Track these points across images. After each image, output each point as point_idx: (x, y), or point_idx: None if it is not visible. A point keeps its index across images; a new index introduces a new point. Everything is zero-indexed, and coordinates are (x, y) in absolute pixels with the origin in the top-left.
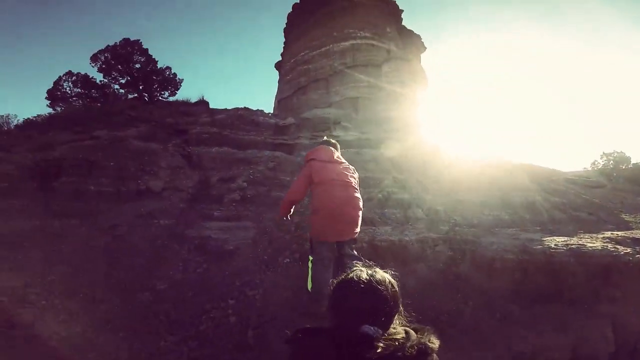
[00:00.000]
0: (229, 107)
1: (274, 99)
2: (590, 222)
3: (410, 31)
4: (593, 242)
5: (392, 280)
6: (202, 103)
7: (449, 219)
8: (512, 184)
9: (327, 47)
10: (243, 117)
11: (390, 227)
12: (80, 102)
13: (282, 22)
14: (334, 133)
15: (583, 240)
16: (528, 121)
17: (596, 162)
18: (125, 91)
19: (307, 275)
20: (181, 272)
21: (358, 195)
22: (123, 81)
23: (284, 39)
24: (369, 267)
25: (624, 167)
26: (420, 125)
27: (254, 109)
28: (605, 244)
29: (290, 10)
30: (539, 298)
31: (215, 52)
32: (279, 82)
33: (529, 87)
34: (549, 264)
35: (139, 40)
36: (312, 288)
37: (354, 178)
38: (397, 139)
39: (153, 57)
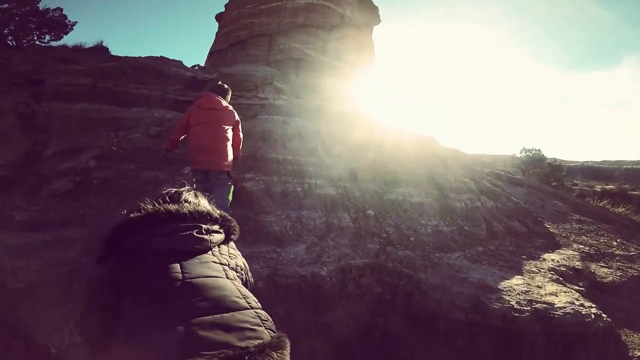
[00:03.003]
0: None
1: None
2: (523, 234)
3: (369, 0)
4: (556, 297)
5: None
6: (98, 50)
7: (380, 228)
8: (448, 178)
9: (280, 3)
10: (147, 67)
11: (303, 245)
12: None
13: None
14: (261, 94)
15: (543, 287)
16: (459, 107)
17: (515, 156)
18: None
19: None
20: None
21: (225, 134)
22: None
23: None
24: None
25: (542, 167)
26: (359, 99)
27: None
28: (572, 301)
29: None
30: None
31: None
32: (216, 34)
33: (467, 77)
34: (506, 331)
35: None
36: None
37: (229, 120)
38: (332, 109)
39: None
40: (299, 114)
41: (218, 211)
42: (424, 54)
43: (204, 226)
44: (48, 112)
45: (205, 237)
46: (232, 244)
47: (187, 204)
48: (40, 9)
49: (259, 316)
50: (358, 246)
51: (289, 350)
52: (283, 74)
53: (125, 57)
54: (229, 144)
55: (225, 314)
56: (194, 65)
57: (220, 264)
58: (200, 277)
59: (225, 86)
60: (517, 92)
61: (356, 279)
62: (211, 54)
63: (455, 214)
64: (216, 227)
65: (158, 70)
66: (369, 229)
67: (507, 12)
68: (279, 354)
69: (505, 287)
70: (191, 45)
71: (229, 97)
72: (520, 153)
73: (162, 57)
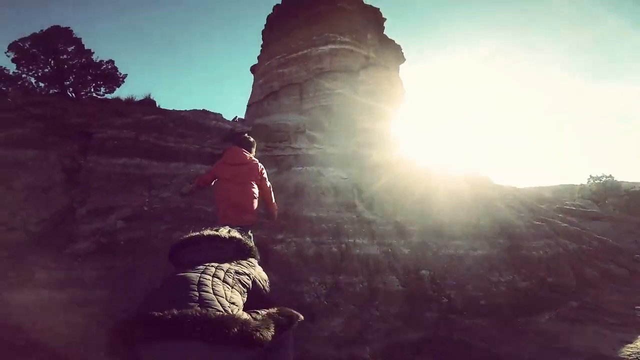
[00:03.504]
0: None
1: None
2: (623, 278)
3: (391, 40)
4: None
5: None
6: (146, 103)
7: (438, 292)
8: (515, 223)
9: (305, 52)
10: (187, 120)
11: (340, 318)
12: None
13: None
14: (294, 145)
15: None
16: (496, 138)
17: (583, 186)
18: (44, 85)
19: None
20: None
21: (251, 189)
22: (43, 73)
23: (262, 42)
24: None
25: (619, 195)
26: (396, 141)
27: (215, 112)
28: None
29: (270, 11)
30: None
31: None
32: (252, 86)
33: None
34: None
35: (69, 28)
36: None
37: (254, 175)
38: (369, 155)
39: (88, 48)
40: (333, 163)
41: (231, 234)
42: (450, 87)
43: (209, 245)
44: (92, 167)
45: (209, 253)
46: (252, 260)
47: (204, 231)
48: (95, 60)
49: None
50: (411, 316)
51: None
52: (315, 122)
53: (169, 110)
54: (255, 200)
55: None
56: (234, 118)
57: (207, 266)
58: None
59: (251, 139)
60: (557, 111)
61: (411, 359)
62: (249, 106)
63: (533, 264)
64: (225, 245)
65: (198, 123)
66: (423, 293)
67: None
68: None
69: (631, 354)
70: (234, 97)
71: (254, 149)
72: (589, 182)
73: (203, 111)
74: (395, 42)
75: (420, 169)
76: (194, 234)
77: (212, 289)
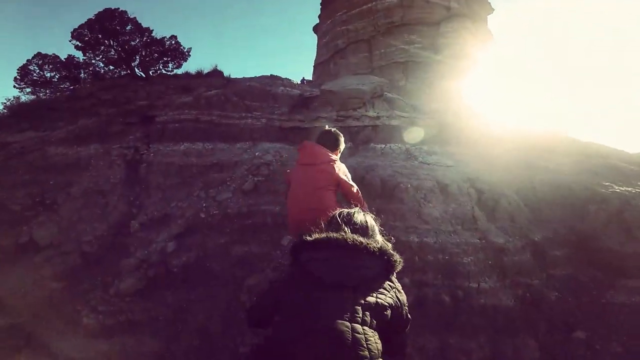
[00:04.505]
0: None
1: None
2: None
3: None
4: None
5: None
6: (214, 74)
7: None
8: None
9: (370, 5)
10: (252, 90)
11: None
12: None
13: None
14: (371, 112)
15: None
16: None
17: None
18: (113, 68)
19: None
20: None
21: (326, 194)
22: (108, 57)
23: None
24: None
25: None
26: (493, 103)
27: (283, 77)
28: None
29: None
30: None
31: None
32: (317, 46)
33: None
34: None
35: (118, 8)
36: None
37: (325, 179)
38: (467, 126)
39: (147, 26)
40: (428, 139)
41: (379, 244)
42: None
43: (353, 263)
44: (152, 159)
45: (353, 272)
46: (393, 277)
47: (346, 234)
48: (156, 37)
49: None
50: None
51: None
52: (390, 81)
53: (235, 80)
54: (331, 210)
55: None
56: (302, 80)
57: (355, 306)
58: (327, 319)
59: (333, 135)
60: None
61: None
62: (316, 66)
63: None
64: (372, 262)
65: (265, 92)
66: None
67: None
68: None
69: None
70: (302, 61)
71: (340, 146)
72: None
73: (271, 76)
74: None
75: (562, 141)
76: (332, 235)
77: (367, 347)
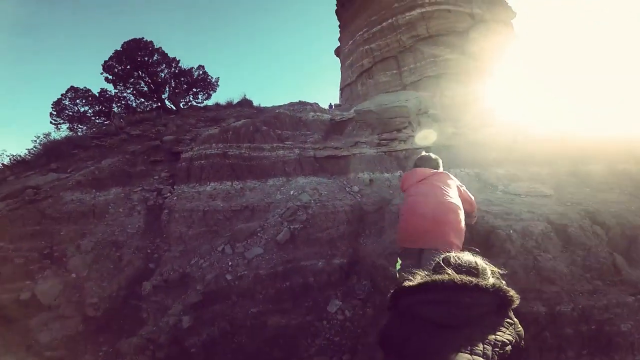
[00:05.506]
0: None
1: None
2: None
3: None
4: None
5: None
6: (244, 104)
7: None
8: None
9: (390, 21)
10: (281, 118)
11: None
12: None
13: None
14: (414, 133)
15: None
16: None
17: None
18: (143, 101)
19: None
20: None
21: (450, 200)
22: (138, 89)
23: (338, 22)
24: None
25: None
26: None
27: (311, 102)
28: None
29: None
30: None
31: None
32: (340, 69)
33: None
34: None
35: (143, 38)
36: None
37: (447, 184)
38: (542, 139)
39: (173, 56)
40: (493, 158)
41: (490, 281)
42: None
43: (464, 302)
44: (175, 203)
45: (465, 311)
46: (510, 313)
47: (452, 275)
48: (184, 68)
49: None
50: None
51: None
52: (425, 98)
53: (263, 108)
54: (458, 213)
55: None
56: (329, 105)
57: (473, 341)
58: (447, 353)
59: (432, 157)
60: None
61: None
62: (342, 89)
63: None
64: (485, 299)
65: (295, 118)
66: None
67: None
68: None
69: None
70: (324, 86)
71: (440, 168)
72: None
73: (300, 102)
74: None
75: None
76: (437, 278)
77: None
